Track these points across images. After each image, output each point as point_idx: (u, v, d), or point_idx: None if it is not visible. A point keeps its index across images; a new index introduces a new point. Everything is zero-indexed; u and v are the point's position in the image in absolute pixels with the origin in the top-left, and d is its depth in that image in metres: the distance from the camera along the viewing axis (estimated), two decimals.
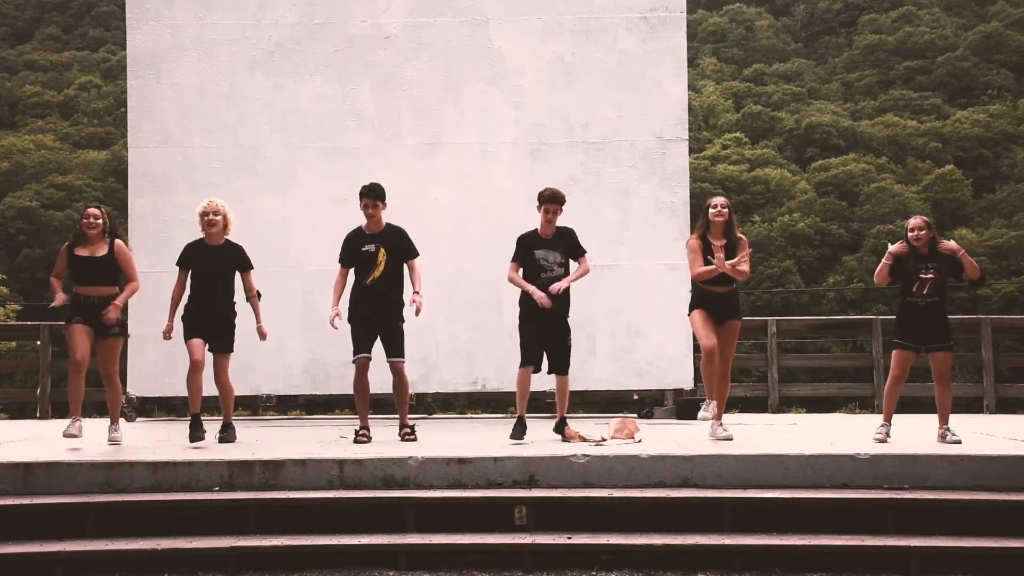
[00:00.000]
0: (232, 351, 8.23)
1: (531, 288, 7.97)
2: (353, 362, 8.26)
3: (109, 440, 8.00)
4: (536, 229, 8.20)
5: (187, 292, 8.29)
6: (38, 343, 12.71)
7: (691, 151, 12.32)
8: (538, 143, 11.27)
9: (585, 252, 8.30)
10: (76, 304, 7.96)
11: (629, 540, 6.29)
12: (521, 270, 8.12)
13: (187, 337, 8.14)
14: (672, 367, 11.05)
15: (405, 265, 8.34)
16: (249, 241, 10.90)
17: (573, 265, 8.33)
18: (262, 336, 8.28)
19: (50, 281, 8.02)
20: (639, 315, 10.99)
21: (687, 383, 11.02)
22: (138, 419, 11.13)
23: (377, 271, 8.21)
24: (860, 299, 44.46)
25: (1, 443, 8.44)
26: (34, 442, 8.63)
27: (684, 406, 10.79)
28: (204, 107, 11.36)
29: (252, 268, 8.35)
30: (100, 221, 7.96)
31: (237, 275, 8.30)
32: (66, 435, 7.79)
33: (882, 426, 7.82)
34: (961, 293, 45.38)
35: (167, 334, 8.17)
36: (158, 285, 11.13)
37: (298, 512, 6.63)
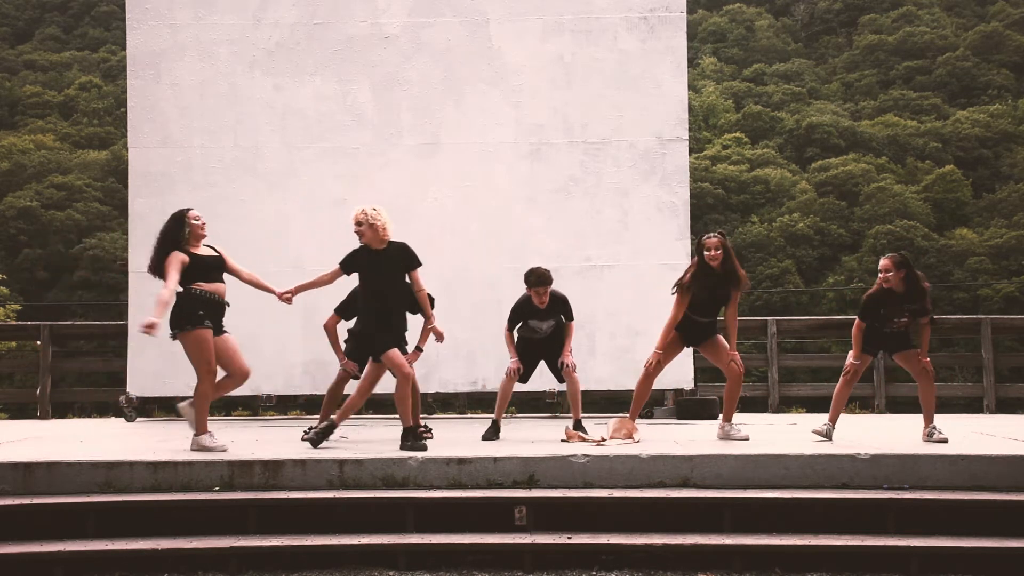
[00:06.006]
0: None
1: (513, 359, 8.24)
2: (342, 365, 8.24)
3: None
4: (530, 298, 8.25)
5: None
6: (38, 343, 12.69)
7: (691, 151, 12.33)
8: (538, 143, 11.27)
9: (573, 319, 8.47)
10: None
11: (629, 540, 6.29)
12: (515, 334, 8.37)
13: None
14: (672, 367, 10.88)
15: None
16: (249, 241, 11.01)
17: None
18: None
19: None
20: (639, 315, 10.99)
21: (687, 383, 11.02)
22: (138, 419, 11.12)
23: None
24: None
25: (1, 443, 8.44)
26: (34, 442, 8.62)
27: (684, 406, 10.80)
28: (204, 107, 11.37)
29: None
30: None
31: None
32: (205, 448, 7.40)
33: (824, 425, 7.89)
34: (961, 293, 45.41)
35: None
36: (156, 285, 11.16)
37: (298, 512, 6.63)
